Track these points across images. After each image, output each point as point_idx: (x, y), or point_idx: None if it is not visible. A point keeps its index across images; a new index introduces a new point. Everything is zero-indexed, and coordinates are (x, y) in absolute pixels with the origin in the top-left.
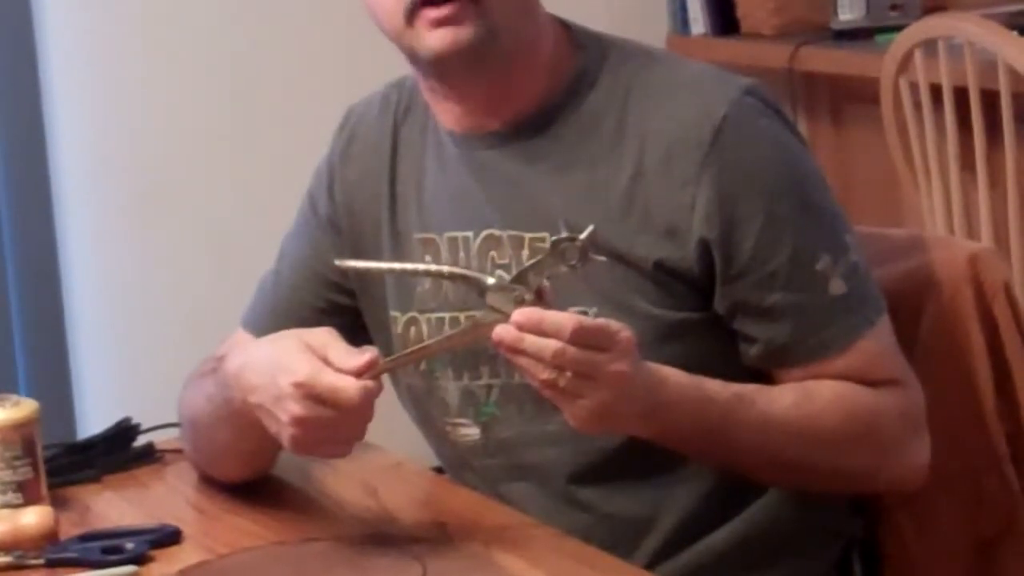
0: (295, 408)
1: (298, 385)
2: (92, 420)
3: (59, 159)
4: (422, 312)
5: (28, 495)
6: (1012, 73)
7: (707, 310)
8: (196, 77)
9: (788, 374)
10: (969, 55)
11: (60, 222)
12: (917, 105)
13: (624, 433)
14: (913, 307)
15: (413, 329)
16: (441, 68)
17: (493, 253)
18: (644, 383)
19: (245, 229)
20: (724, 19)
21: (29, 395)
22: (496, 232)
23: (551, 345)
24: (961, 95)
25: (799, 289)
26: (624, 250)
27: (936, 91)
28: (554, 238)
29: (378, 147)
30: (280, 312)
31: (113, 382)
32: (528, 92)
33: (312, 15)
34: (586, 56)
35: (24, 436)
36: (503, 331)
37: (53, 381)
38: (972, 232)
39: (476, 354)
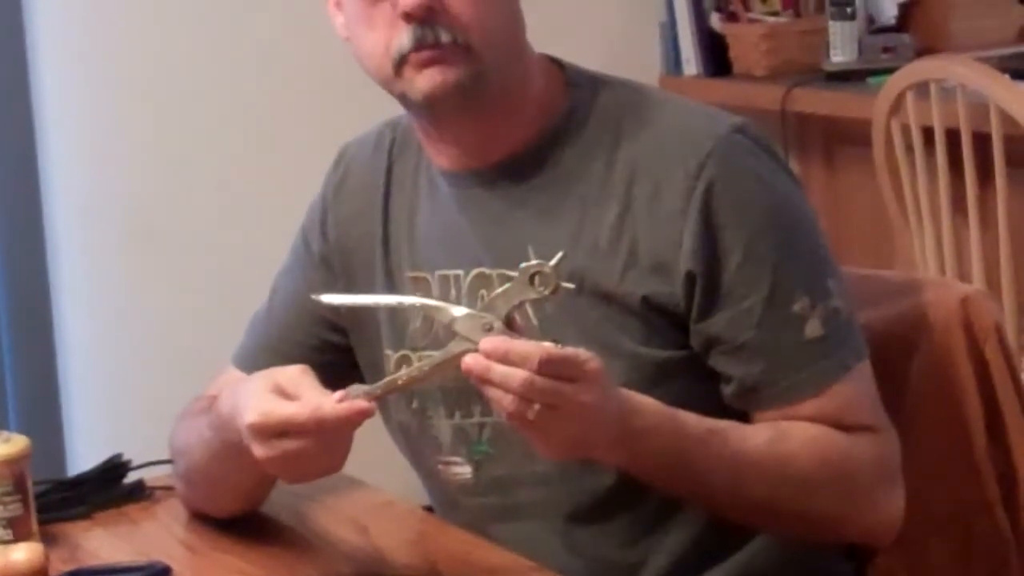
0: (257, 449)
1: (250, 427)
2: (83, 457)
3: (51, 197)
4: (414, 350)
5: (18, 532)
6: (1004, 116)
7: (690, 349)
8: (191, 115)
9: (762, 415)
10: (961, 98)
11: (52, 258)
12: (909, 147)
13: (593, 460)
14: (905, 348)
15: (404, 367)
16: (432, 109)
17: (483, 291)
18: (616, 411)
19: (237, 266)
20: (716, 60)
21: (19, 431)
22: (486, 271)
23: (518, 375)
24: (953, 137)
25: (773, 329)
26: (611, 287)
27: (928, 133)
28: (523, 265)
29: (371, 185)
30: (271, 349)
31: (104, 419)
32: (520, 131)
33: (307, 54)
34: (577, 95)
35: (14, 472)
36: (472, 360)
37: (44, 417)
38: (964, 274)
39: (468, 392)
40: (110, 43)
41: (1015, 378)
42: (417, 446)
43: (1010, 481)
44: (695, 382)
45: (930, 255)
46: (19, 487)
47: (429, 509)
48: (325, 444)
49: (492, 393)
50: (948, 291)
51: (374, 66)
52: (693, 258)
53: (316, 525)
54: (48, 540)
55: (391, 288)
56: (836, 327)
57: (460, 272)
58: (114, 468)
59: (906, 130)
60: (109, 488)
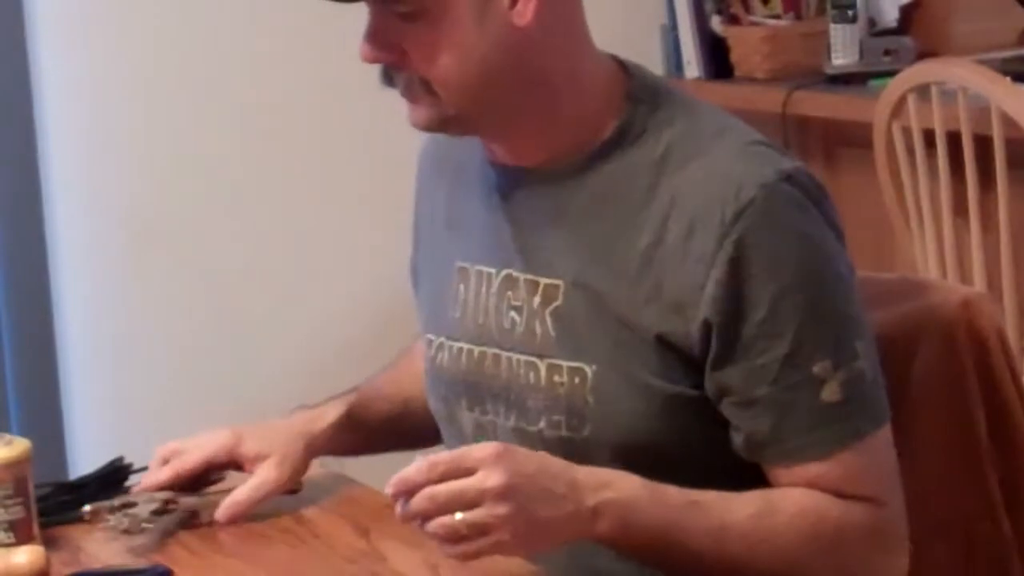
0: None
1: None
2: (84, 460)
3: (53, 201)
4: (448, 339)
5: (19, 534)
6: (1005, 118)
7: (703, 389)
8: (194, 115)
9: (768, 468)
10: (962, 100)
11: (53, 261)
12: (910, 150)
13: (575, 540)
14: (906, 351)
15: (440, 355)
16: None
17: (510, 293)
18: (561, 481)
19: (240, 270)
20: (718, 63)
21: (21, 434)
22: (514, 273)
23: (425, 493)
24: (954, 140)
25: (788, 388)
26: (630, 316)
27: (929, 136)
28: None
29: (441, 167)
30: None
31: (105, 422)
32: (562, 138)
33: (313, 54)
34: (636, 108)
35: (16, 475)
36: (400, 514)
37: (45, 420)
38: (965, 277)
39: (483, 389)
40: (112, 41)
41: (1017, 381)
42: (446, 432)
43: (1012, 485)
44: (704, 422)
45: (931, 258)
46: (20, 490)
47: None
48: None
49: (430, 531)
50: (949, 294)
51: None
52: (713, 306)
53: (317, 527)
54: (49, 543)
55: (441, 275)
56: (857, 392)
57: (493, 271)
58: (116, 471)
59: (907, 133)
60: (111, 491)
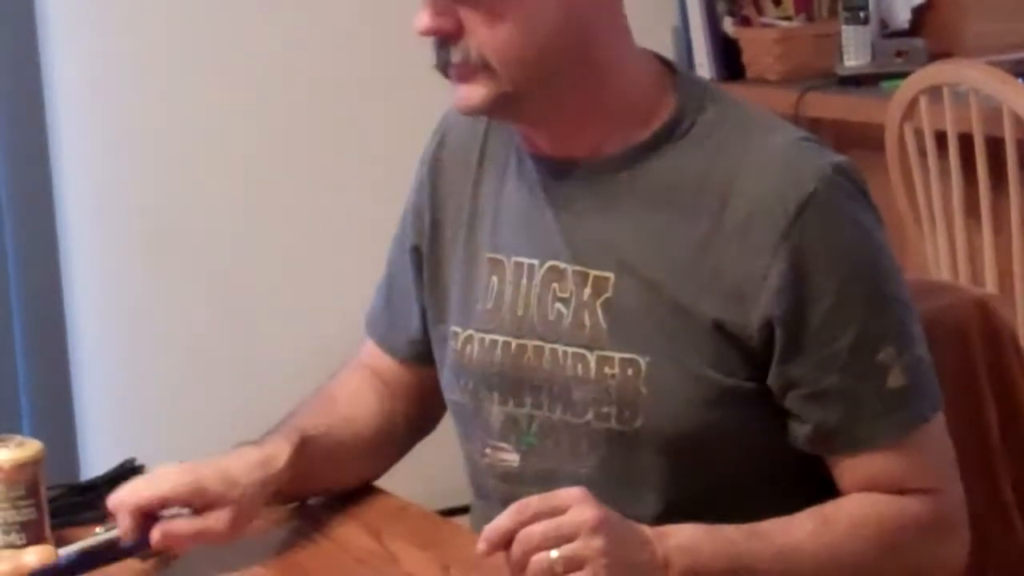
0: None
1: None
2: (96, 461)
3: (64, 201)
4: (478, 331)
5: (31, 535)
6: (1017, 120)
7: (759, 382)
8: (205, 116)
9: (833, 460)
10: (974, 102)
11: (65, 263)
12: (922, 151)
13: None
14: None
15: (468, 347)
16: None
17: (555, 285)
18: (639, 530)
19: (251, 271)
20: (730, 65)
21: (33, 436)
22: (560, 265)
23: (521, 535)
24: (966, 142)
25: (857, 376)
26: (687, 304)
27: (941, 138)
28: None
29: (466, 158)
30: (396, 316)
31: (117, 423)
32: (609, 130)
33: (325, 52)
34: (684, 104)
35: (28, 477)
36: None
37: (57, 422)
38: (977, 278)
39: (521, 381)
40: (123, 41)
41: None
42: (470, 427)
43: None
44: (757, 415)
45: (943, 259)
46: (32, 491)
47: (444, 513)
48: None
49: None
50: (962, 295)
51: None
52: (777, 298)
53: (330, 529)
54: (61, 544)
55: (469, 265)
56: (918, 377)
57: (535, 262)
58: (127, 472)
59: (919, 134)
60: None
